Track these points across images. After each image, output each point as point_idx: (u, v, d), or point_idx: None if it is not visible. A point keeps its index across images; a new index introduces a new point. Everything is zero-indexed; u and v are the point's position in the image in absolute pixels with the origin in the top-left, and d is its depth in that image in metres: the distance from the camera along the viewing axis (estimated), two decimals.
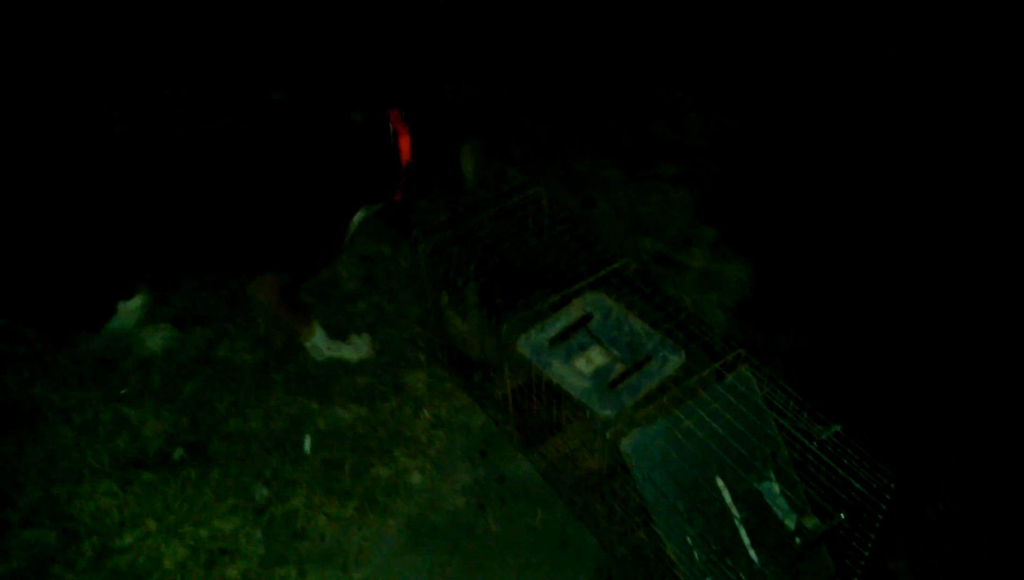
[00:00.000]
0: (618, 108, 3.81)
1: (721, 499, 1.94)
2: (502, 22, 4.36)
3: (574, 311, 2.09)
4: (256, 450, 2.35)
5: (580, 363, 2.02)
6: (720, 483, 1.94)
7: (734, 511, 1.95)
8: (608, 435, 1.89)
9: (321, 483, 2.29)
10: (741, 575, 1.87)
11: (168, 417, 2.40)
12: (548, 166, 3.45)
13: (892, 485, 1.80)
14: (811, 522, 1.88)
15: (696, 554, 1.89)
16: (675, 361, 2.03)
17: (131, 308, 2.33)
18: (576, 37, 4.29)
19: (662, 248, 3.14)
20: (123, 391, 2.46)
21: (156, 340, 2.57)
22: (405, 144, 2.25)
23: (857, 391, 2.64)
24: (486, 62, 4.02)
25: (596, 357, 2.04)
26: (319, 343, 2.54)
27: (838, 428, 1.93)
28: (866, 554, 1.91)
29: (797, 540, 1.91)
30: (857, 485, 1.83)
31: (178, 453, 2.32)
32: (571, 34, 4.31)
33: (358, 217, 2.35)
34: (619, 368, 2.01)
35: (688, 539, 1.89)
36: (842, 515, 1.83)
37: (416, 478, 2.33)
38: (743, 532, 1.95)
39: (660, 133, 3.70)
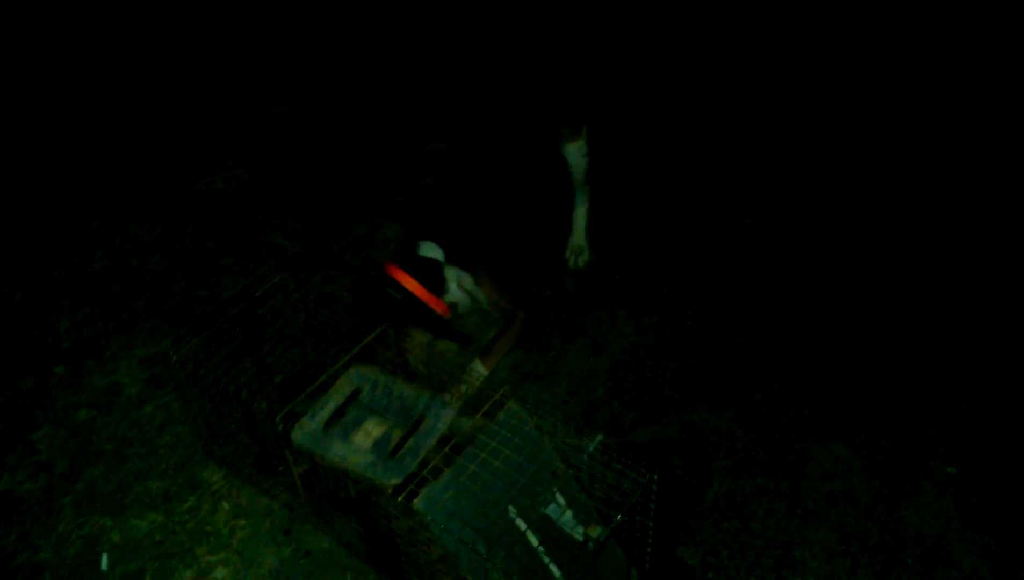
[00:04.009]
0: (389, 167, 3.94)
1: (515, 529, 2.08)
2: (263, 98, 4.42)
3: (342, 389, 2.17)
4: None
5: (359, 439, 2.10)
6: (512, 513, 2.07)
7: (530, 536, 2.09)
8: (399, 500, 1.98)
9: None
10: None
11: None
12: (328, 235, 3.53)
13: (655, 476, 1.99)
14: (595, 531, 2.05)
15: None
16: (448, 414, 2.16)
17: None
18: (337, 106, 4.40)
19: None
20: None
21: None
22: None
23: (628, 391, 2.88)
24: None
25: (373, 429, 2.12)
26: None
27: (601, 437, 2.13)
28: (650, 541, 2.11)
29: (590, 546, 2.06)
30: (626, 484, 2.01)
31: None
32: (332, 103, 4.41)
33: None
34: (396, 435, 2.11)
35: (495, 576, 2.01)
36: (618, 516, 2.00)
37: (221, 572, 2.35)
38: (541, 553, 2.09)
39: (430, 185, 3.85)
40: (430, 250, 2.71)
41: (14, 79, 4.44)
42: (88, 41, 4.74)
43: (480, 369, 2.80)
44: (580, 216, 3.45)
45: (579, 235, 3.46)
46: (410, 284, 2.64)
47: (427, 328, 2.68)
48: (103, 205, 3.62)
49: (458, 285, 2.77)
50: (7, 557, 2.36)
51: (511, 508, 2.07)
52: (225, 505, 2.51)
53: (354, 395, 2.17)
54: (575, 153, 3.23)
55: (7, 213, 3.59)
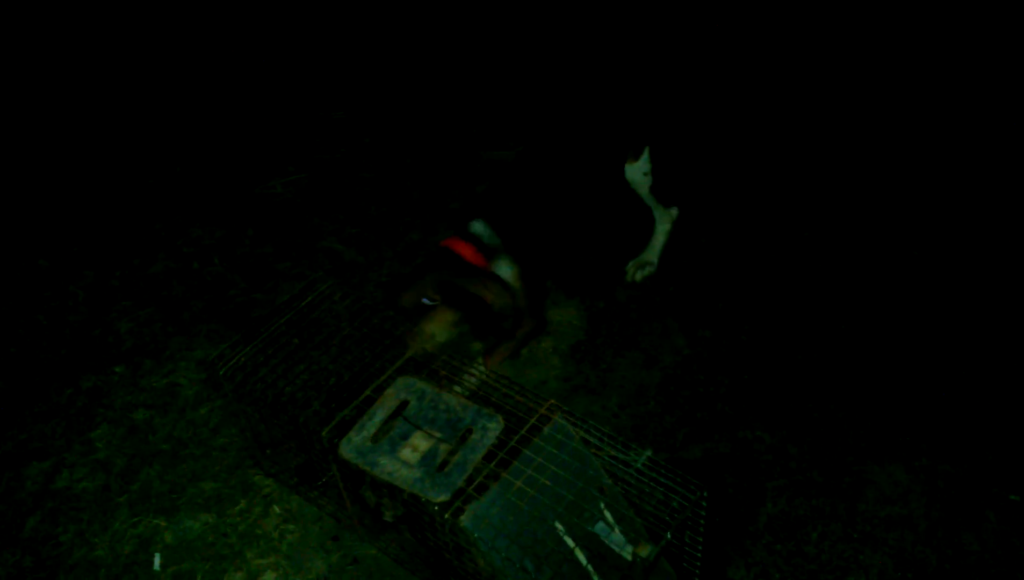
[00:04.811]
0: (445, 174, 3.95)
1: (563, 546, 2.06)
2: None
3: (388, 401, 2.17)
4: (104, 577, 2.36)
5: (406, 453, 2.10)
6: (560, 530, 2.06)
7: (578, 554, 2.07)
8: (447, 516, 1.98)
9: None
10: None
11: (9, 559, 2.39)
12: (383, 241, 3.56)
13: (705, 493, 1.96)
14: (644, 551, 2.02)
15: None
16: (495, 427, 2.14)
17: None
18: (396, 112, 4.42)
19: None
20: None
21: None
22: None
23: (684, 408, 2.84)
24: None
25: (420, 443, 2.11)
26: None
27: (649, 453, 2.10)
28: (699, 555, 2.07)
29: (639, 565, 2.04)
30: (675, 501, 1.98)
31: None
32: (391, 109, 4.44)
33: None
34: (444, 449, 2.10)
35: None
36: (668, 535, 1.97)
37: (269, 576, 2.37)
38: (591, 570, 2.07)
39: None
40: (479, 227, 2.76)
41: (81, 82, 4.56)
42: (151, 46, 4.85)
43: (481, 369, 2.77)
44: (659, 234, 3.40)
45: (653, 252, 3.41)
46: (465, 250, 2.68)
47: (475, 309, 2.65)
48: (166, 208, 3.70)
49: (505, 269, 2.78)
50: (64, 553, 2.42)
51: (558, 525, 2.05)
52: (276, 509, 2.53)
53: (401, 407, 2.17)
54: (634, 172, 3.18)
55: (73, 215, 3.69)
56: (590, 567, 2.05)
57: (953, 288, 3.27)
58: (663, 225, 3.38)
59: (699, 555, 2.07)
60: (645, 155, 3.15)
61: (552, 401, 2.15)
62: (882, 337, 3.10)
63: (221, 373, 2.25)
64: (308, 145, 4.13)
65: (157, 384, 2.92)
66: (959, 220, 3.58)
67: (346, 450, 2.10)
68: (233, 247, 3.50)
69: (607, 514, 2.10)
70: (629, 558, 2.05)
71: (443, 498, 2.01)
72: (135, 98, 4.46)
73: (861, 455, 2.69)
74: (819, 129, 4.14)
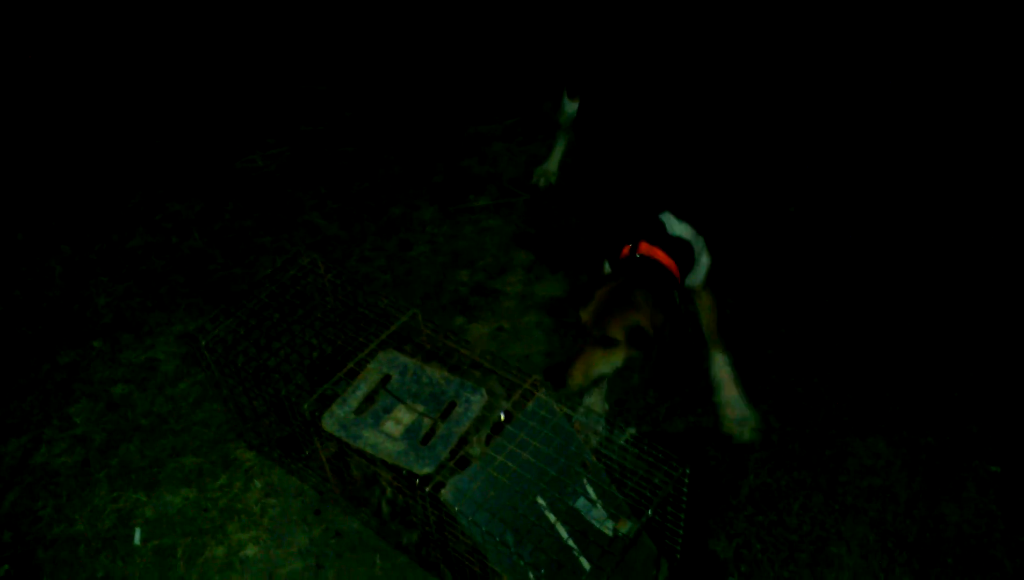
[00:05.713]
0: (428, 148, 3.92)
1: (545, 521, 2.06)
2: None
3: (371, 375, 2.16)
4: (84, 552, 2.34)
5: (389, 426, 2.09)
6: (542, 505, 2.05)
7: (559, 529, 2.07)
8: (428, 490, 1.97)
9: (154, 574, 2.29)
10: None
11: None
12: (364, 215, 3.53)
13: (687, 470, 1.96)
14: (624, 527, 2.02)
15: (532, 575, 2.00)
16: (478, 401, 2.13)
17: None
18: (379, 85, 4.38)
19: (480, 278, 3.25)
20: None
21: None
22: None
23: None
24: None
25: (403, 416, 2.11)
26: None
27: (633, 431, 2.09)
28: (681, 532, 2.07)
29: (618, 541, 2.04)
30: (658, 478, 1.98)
31: (2, 570, 2.28)
32: (374, 82, 4.40)
33: None
34: (427, 422, 2.09)
35: (523, 566, 2.00)
36: (649, 512, 1.97)
37: (251, 550, 2.36)
38: (572, 545, 2.07)
39: (469, 166, 3.82)
40: (677, 227, 2.49)
41: (58, 56, 4.49)
42: (129, 19, 4.77)
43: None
44: None
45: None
46: (665, 260, 2.41)
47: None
48: (145, 181, 3.66)
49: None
50: (43, 528, 2.40)
51: (540, 500, 2.04)
52: (257, 483, 2.52)
53: (384, 381, 2.15)
54: None
55: (50, 189, 3.64)
56: (571, 542, 2.05)
57: (937, 265, 3.28)
58: None
59: (681, 531, 2.08)
60: None
61: (536, 377, 2.14)
62: (865, 311, 3.10)
63: (203, 344, 2.22)
64: (289, 118, 4.08)
65: (136, 359, 2.89)
66: (941, 201, 3.59)
67: (329, 424, 2.08)
68: (212, 221, 3.47)
69: (589, 490, 2.10)
70: (610, 534, 2.06)
71: (427, 470, 2.00)
72: (113, 70, 4.39)
73: (843, 428, 2.70)
74: (797, 109, 4.14)
